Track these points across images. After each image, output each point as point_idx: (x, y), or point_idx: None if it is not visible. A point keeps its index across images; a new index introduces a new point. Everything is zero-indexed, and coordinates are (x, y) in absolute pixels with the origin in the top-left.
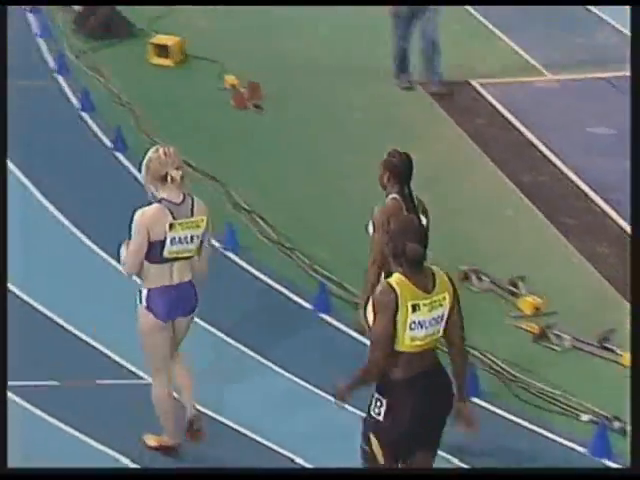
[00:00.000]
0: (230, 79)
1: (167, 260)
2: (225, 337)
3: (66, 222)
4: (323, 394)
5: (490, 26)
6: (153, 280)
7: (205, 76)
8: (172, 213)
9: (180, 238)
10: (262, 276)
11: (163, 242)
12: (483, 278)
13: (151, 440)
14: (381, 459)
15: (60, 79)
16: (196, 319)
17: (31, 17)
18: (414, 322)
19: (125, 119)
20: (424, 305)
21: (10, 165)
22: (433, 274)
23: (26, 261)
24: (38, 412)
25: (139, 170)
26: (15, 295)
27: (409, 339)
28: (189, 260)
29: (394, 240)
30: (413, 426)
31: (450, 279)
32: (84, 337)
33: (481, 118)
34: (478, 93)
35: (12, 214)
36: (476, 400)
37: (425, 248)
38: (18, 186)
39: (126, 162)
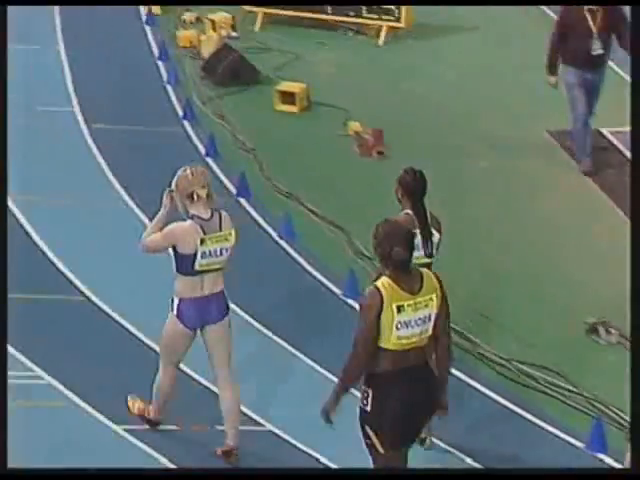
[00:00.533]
0: (354, 126)
1: (198, 272)
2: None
3: None
4: None
5: (621, 72)
6: (184, 291)
7: (329, 123)
8: (202, 228)
9: (210, 252)
10: None
11: (194, 256)
12: (612, 331)
13: (136, 405)
14: (380, 448)
15: (187, 125)
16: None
17: (161, 64)
18: (399, 322)
19: (249, 165)
20: (408, 306)
21: (135, 209)
22: (421, 276)
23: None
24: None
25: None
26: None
27: (395, 338)
28: (219, 271)
29: (382, 244)
30: (399, 415)
31: (439, 281)
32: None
33: (612, 167)
34: (609, 142)
35: (131, 255)
36: (602, 456)
37: (411, 252)
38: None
39: (250, 208)
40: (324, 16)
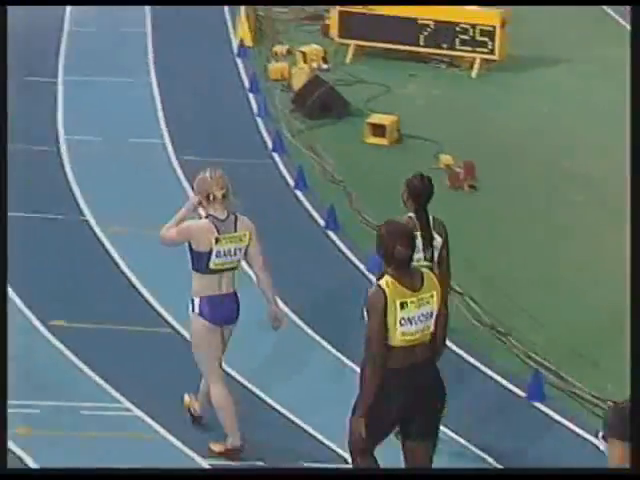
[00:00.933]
0: (445, 158)
1: (214, 271)
2: None
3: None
4: None
5: None
6: (202, 290)
7: (420, 155)
8: (217, 228)
9: (225, 251)
10: (475, 362)
11: (209, 254)
12: None
13: (216, 446)
14: (362, 443)
15: (276, 157)
16: None
17: (251, 96)
18: (403, 319)
19: (338, 198)
20: (411, 302)
21: None
22: (421, 274)
23: None
24: None
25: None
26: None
27: (400, 334)
28: (234, 272)
29: (384, 243)
30: (400, 411)
31: (439, 279)
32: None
33: None
34: None
35: None
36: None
37: (413, 251)
38: None
39: (338, 241)
40: (416, 48)
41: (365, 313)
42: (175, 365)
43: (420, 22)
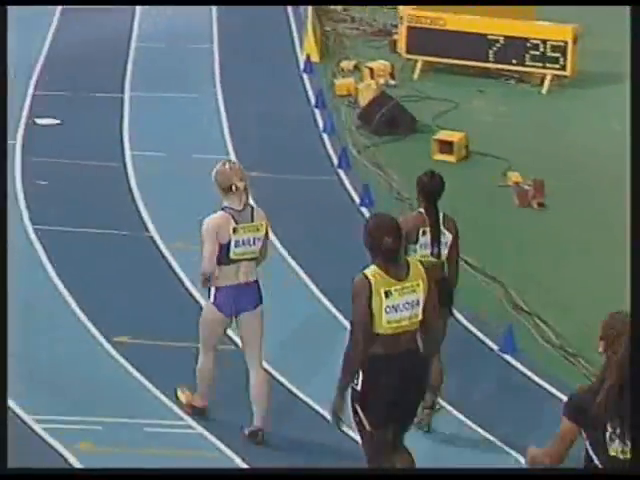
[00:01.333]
0: (514, 176)
1: (233, 261)
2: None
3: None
4: None
5: None
6: (221, 280)
7: (488, 173)
8: (234, 219)
9: (243, 240)
10: (541, 382)
11: (228, 245)
12: None
13: (183, 396)
14: (367, 426)
15: (342, 174)
16: None
17: (317, 112)
18: (388, 306)
19: (404, 214)
20: (395, 291)
21: (287, 257)
22: (407, 263)
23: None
24: None
25: None
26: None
27: (386, 322)
28: (254, 261)
29: (372, 235)
30: (386, 397)
31: (425, 268)
32: None
33: None
34: None
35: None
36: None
37: (400, 242)
38: (297, 281)
39: None
40: (485, 64)
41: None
42: (239, 382)
43: (490, 37)
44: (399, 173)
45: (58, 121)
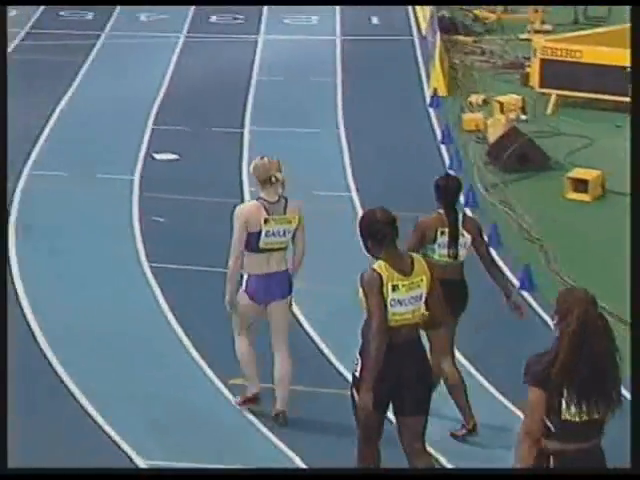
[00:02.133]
0: None
1: (263, 250)
2: None
3: None
4: None
5: None
6: (252, 268)
7: (625, 212)
8: (267, 210)
9: (274, 231)
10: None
11: (259, 234)
12: None
13: (240, 400)
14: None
15: (469, 213)
16: None
17: (443, 148)
18: (393, 300)
19: (534, 256)
20: (403, 286)
21: None
22: (412, 259)
23: None
24: None
25: None
26: None
27: (391, 315)
28: (284, 251)
29: (367, 228)
30: (385, 384)
31: (429, 264)
32: None
33: None
34: None
35: None
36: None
37: (395, 229)
38: None
39: (534, 303)
40: (624, 98)
41: (362, 295)
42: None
43: (628, 70)
44: (530, 213)
45: (176, 156)
